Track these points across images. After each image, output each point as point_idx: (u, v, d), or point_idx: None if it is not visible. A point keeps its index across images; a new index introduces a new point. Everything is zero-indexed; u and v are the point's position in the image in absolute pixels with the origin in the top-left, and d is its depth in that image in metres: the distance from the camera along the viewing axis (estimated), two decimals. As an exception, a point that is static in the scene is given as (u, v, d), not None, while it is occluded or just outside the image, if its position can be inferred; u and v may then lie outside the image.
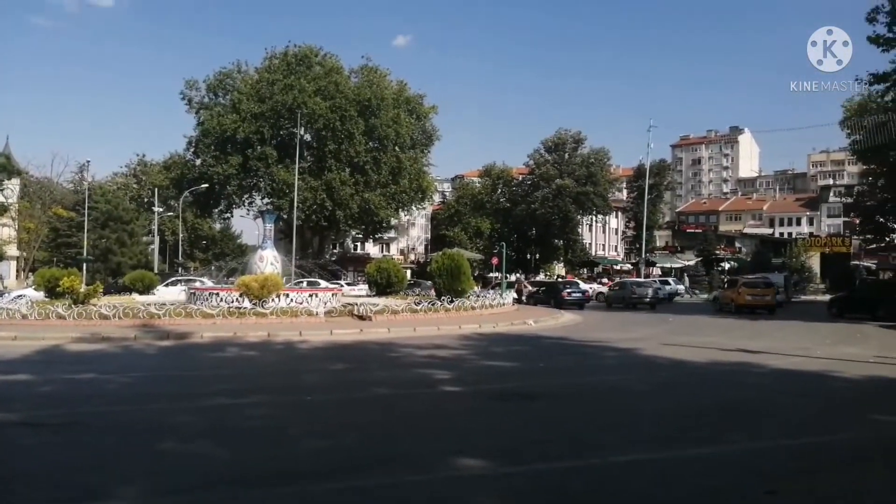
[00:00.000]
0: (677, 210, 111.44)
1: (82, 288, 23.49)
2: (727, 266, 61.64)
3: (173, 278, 36.08)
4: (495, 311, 24.83)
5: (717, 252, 71.45)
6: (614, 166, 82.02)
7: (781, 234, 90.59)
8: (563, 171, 70.71)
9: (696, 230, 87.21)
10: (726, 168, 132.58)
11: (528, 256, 74.66)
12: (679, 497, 5.19)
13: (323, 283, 33.70)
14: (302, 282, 33.38)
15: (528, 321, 22.32)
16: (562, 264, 77.96)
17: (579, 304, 33.53)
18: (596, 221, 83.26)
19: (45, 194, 61.69)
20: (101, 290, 25.18)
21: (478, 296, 26.83)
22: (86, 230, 54.18)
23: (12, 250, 56.81)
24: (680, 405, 8.83)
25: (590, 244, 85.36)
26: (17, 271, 58.18)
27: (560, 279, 55.26)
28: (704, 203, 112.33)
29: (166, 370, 12.28)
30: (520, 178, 79.48)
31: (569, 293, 34.56)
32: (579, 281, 48.82)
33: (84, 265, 48.11)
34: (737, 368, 12.20)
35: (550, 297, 34.93)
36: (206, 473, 5.61)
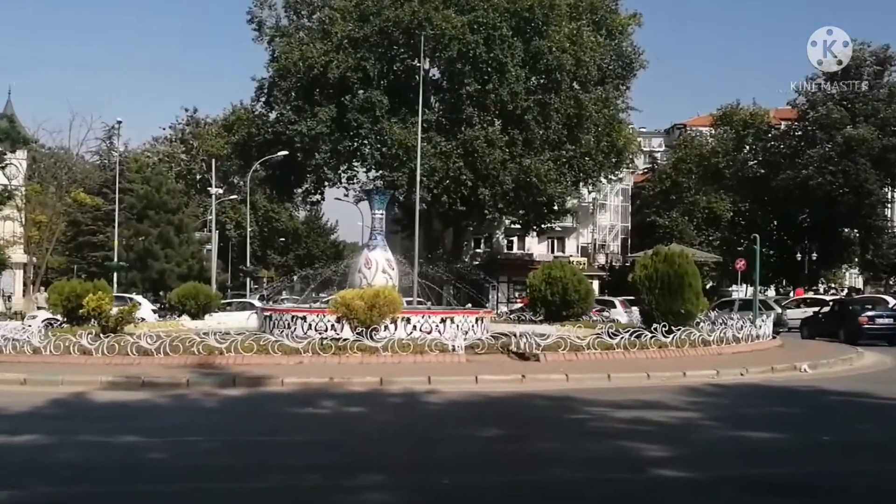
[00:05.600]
0: None
1: (113, 310, 25.51)
2: None
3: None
4: (744, 348, 24.29)
5: None
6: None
7: None
8: (858, 112, 67.18)
9: None
10: None
11: (800, 256, 71.83)
12: None
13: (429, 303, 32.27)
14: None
15: (801, 365, 21.56)
16: (857, 270, 74.22)
17: (889, 338, 31.92)
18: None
19: (61, 172, 66.45)
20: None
21: (713, 322, 26.17)
22: (116, 223, 58.35)
23: (17, 254, 61.55)
24: None
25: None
26: (25, 283, 63.58)
27: (853, 294, 52.62)
28: None
29: (235, 433, 12.99)
30: (780, 128, 76.45)
31: (870, 318, 33.07)
32: (889, 298, 46.14)
33: (115, 274, 52.25)
34: None
35: (838, 324, 33.51)
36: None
